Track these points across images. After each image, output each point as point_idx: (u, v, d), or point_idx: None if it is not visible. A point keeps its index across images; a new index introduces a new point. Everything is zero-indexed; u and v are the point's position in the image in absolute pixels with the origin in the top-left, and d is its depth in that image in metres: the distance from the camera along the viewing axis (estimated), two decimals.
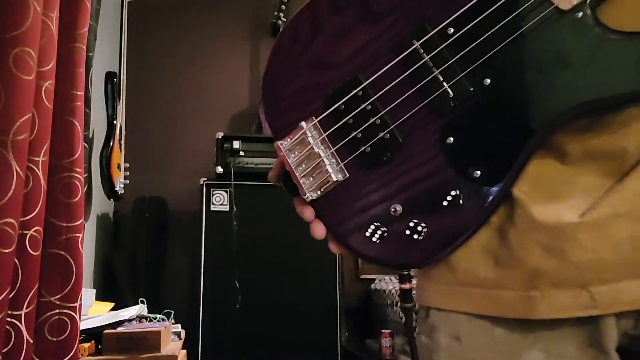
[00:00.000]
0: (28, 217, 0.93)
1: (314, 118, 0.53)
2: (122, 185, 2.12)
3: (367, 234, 0.50)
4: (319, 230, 0.53)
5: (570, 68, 0.43)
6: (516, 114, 0.45)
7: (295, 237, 2.36)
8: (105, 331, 1.26)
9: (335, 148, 0.52)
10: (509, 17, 0.44)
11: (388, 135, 0.49)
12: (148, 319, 1.54)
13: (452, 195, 0.47)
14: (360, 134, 0.50)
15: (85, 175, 1.29)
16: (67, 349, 1.03)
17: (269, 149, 2.49)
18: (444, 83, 0.47)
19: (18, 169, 0.86)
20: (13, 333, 0.91)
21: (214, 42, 3.12)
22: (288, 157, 0.55)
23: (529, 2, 0.44)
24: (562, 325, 0.46)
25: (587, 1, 0.43)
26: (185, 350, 1.59)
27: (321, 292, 2.35)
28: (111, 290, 2.38)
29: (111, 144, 2.03)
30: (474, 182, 0.47)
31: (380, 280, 2.72)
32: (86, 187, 1.75)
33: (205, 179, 2.41)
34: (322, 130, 0.52)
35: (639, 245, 0.44)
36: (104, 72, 2.08)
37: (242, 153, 2.45)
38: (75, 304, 1.05)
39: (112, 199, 2.16)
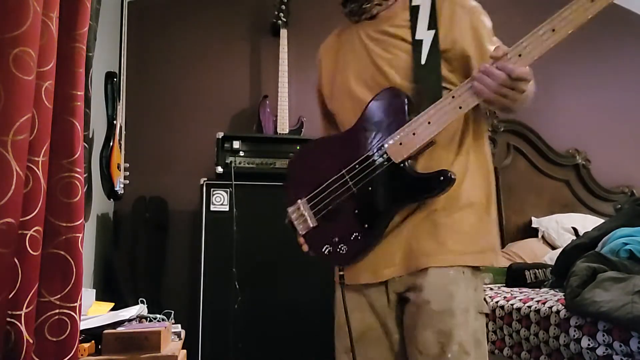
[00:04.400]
0: (28, 217, 0.93)
1: (303, 197, 1.23)
2: (122, 185, 2.12)
3: (323, 249, 1.21)
4: (305, 248, 1.25)
5: (399, 186, 1.12)
6: (381, 203, 1.14)
7: (295, 237, 2.36)
8: (105, 331, 1.26)
9: (312, 211, 1.22)
10: (376, 163, 1.14)
11: (333, 208, 1.18)
12: (148, 319, 1.54)
13: (356, 234, 1.16)
14: (323, 207, 1.20)
15: (85, 175, 1.28)
16: (67, 349, 1.03)
17: (269, 149, 2.50)
18: (353, 187, 1.16)
19: (18, 169, 0.86)
20: (13, 333, 0.91)
21: (214, 42, 3.12)
22: (292, 215, 1.25)
23: (383, 159, 1.13)
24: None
25: (405, 160, 1.11)
26: (185, 350, 1.59)
27: (321, 292, 2.34)
28: (111, 290, 2.38)
29: (111, 144, 2.03)
30: (365, 229, 1.15)
31: None
32: (86, 187, 1.75)
33: (205, 179, 2.41)
34: (307, 203, 1.23)
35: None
36: (104, 72, 2.08)
37: (242, 153, 2.45)
38: (75, 304, 1.05)
39: (112, 199, 2.15)
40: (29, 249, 0.93)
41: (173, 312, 1.74)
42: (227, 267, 2.25)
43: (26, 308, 0.92)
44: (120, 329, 1.31)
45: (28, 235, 0.93)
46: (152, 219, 2.72)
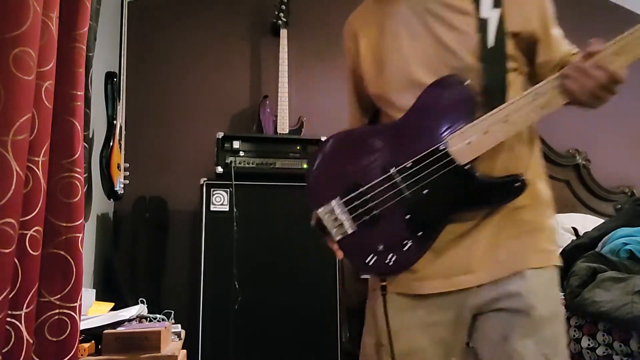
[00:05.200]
0: (28, 217, 0.93)
1: (339, 198, 1.04)
2: (122, 185, 2.12)
3: (367, 259, 1.02)
4: (340, 254, 1.05)
5: (462, 191, 0.98)
6: (437, 209, 0.99)
7: (295, 237, 2.36)
8: (105, 331, 1.26)
9: (351, 215, 1.03)
10: (436, 165, 0.97)
11: (378, 212, 1.02)
12: (148, 319, 1.54)
13: (407, 243, 1.00)
14: (365, 211, 1.02)
15: (85, 175, 1.28)
16: (67, 349, 1.03)
17: (269, 149, 2.49)
18: (406, 191, 1.00)
19: (18, 169, 0.86)
20: (13, 333, 0.91)
21: (214, 42, 3.12)
22: (323, 217, 1.05)
23: (446, 159, 0.96)
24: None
25: (471, 162, 0.95)
26: (185, 350, 1.59)
27: (321, 292, 2.35)
28: (111, 290, 2.38)
29: (111, 144, 2.03)
30: (418, 237, 0.99)
31: None
32: (86, 187, 1.75)
33: (205, 179, 2.41)
34: (344, 206, 1.04)
35: None
36: (104, 72, 2.08)
37: (242, 153, 2.45)
38: (75, 304, 1.05)
39: (112, 199, 2.15)
40: (29, 249, 0.93)
41: (173, 312, 1.74)
42: (227, 267, 2.25)
43: (26, 308, 0.92)
44: (120, 329, 1.31)
45: (28, 235, 0.93)
46: (152, 219, 2.72)
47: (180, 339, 1.53)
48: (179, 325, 1.59)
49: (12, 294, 0.89)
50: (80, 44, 1.13)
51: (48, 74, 0.98)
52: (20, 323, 0.91)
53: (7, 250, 0.84)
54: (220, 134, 2.45)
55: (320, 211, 1.05)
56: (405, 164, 0.99)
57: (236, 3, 3.21)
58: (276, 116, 2.81)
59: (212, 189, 2.38)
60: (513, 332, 0.94)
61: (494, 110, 0.94)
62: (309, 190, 1.09)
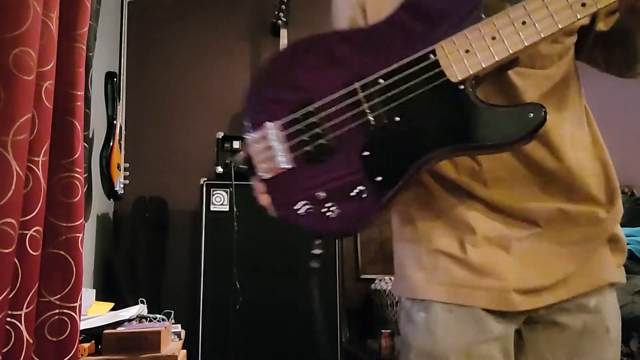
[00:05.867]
0: (28, 217, 0.93)
1: (275, 120, 0.73)
2: (122, 185, 2.12)
3: (296, 207, 0.72)
4: (265, 200, 0.75)
5: (451, 120, 0.68)
6: (411, 144, 0.70)
7: (295, 237, 2.36)
8: (105, 331, 1.26)
9: (288, 144, 0.73)
10: (416, 80, 0.69)
11: (326, 142, 0.72)
12: (148, 319, 1.54)
13: (359, 190, 0.70)
14: (307, 138, 0.72)
15: (85, 175, 1.28)
16: (67, 349, 1.03)
17: None
18: (369, 114, 0.70)
19: (18, 169, 0.86)
20: (13, 333, 0.90)
21: (214, 42, 3.12)
22: (252, 146, 0.75)
23: (431, 73, 0.68)
24: None
25: (469, 79, 0.67)
26: (185, 350, 1.59)
27: (321, 293, 2.35)
28: (111, 290, 2.38)
29: (111, 144, 2.03)
30: (376, 184, 0.69)
31: (380, 280, 2.71)
32: (86, 187, 1.75)
33: (205, 179, 2.41)
34: (283, 129, 0.73)
35: None
36: (104, 72, 2.08)
37: (242, 153, 2.45)
38: (75, 304, 1.05)
39: (112, 199, 2.16)
40: (29, 249, 0.93)
41: (173, 312, 1.74)
42: (227, 267, 2.25)
43: (26, 308, 0.92)
44: (120, 329, 1.31)
45: (28, 235, 0.93)
46: (152, 219, 2.72)
47: (180, 339, 1.53)
48: (179, 325, 1.59)
49: (12, 294, 0.89)
50: (80, 44, 1.13)
51: (48, 74, 0.98)
52: (20, 323, 0.91)
53: (7, 250, 0.84)
54: (220, 134, 2.45)
55: (250, 137, 0.75)
56: (373, 77, 0.70)
57: (236, 3, 3.21)
58: None
59: (212, 189, 2.38)
60: (583, 356, 0.76)
61: (511, 8, 0.66)
62: (245, 109, 0.79)
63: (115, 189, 2.04)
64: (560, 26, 0.64)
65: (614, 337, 0.79)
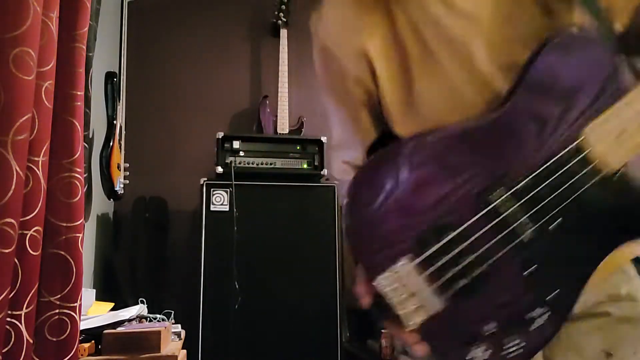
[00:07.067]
0: (28, 217, 0.93)
1: (412, 257, 0.61)
2: (122, 185, 2.12)
3: (468, 355, 0.61)
4: (423, 350, 0.62)
5: (620, 212, 0.59)
6: (582, 247, 0.60)
7: (295, 237, 2.36)
8: (105, 331, 1.26)
9: (437, 284, 0.60)
10: (569, 182, 0.58)
11: (481, 271, 0.60)
12: (148, 319, 1.54)
13: (534, 315, 0.59)
14: (461, 271, 0.60)
15: (85, 175, 1.28)
16: (67, 349, 1.03)
17: (269, 149, 2.49)
18: (524, 232, 0.59)
19: (18, 169, 0.86)
20: (13, 333, 0.91)
21: (214, 42, 3.12)
22: (386, 290, 0.62)
23: (586, 167, 0.57)
24: None
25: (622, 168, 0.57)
26: (185, 350, 1.59)
27: (321, 292, 2.35)
28: (111, 290, 2.38)
29: (111, 144, 2.03)
30: (552, 301, 0.59)
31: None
32: (86, 187, 1.75)
33: (205, 179, 2.41)
34: (420, 268, 0.61)
35: None
36: (104, 72, 2.08)
37: (242, 153, 2.45)
38: (75, 304, 1.05)
39: (112, 199, 2.16)
40: (29, 249, 0.93)
41: (173, 312, 1.74)
42: (227, 267, 2.25)
43: (26, 308, 0.92)
44: (120, 329, 1.31)
45: (28, 235, 0.93)
46: (152, 219, 2.72)
47: (180, 339, 1.53)
48: (179, 325, 1.59)
49: (12, 294, 0.89)
50: (80, 44, 1.13)
51: (48, 74, 0.98)
52: (20, 323, 0.91)
53: (7, 250, 0.84)
54: (220, 134, 2.45)
55: (381, 280, 0.62)
56: (517, 186, 0.59)
57: (236, 3, 3.21)
58: (276, 116, 2.81)
59: (212, 189, 2.38)
60: (622, 346, 0.69)
61: None
62: (352, 243, 0.66)
63: (115, 189, 2.04)
64: None
65: None
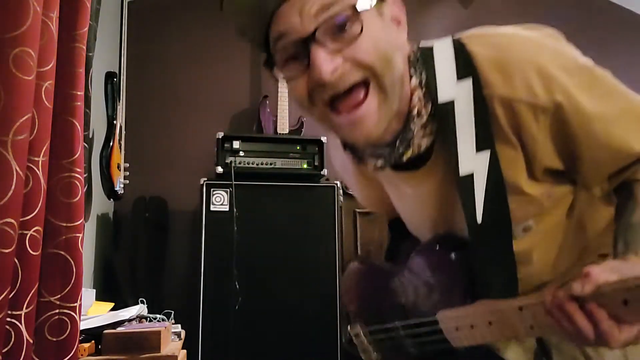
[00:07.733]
0: (28, 217, 0.93)
1: (362, 322, 0.98)
2: (122, 185, 2.12)
3: None
4: None
5: None
6: None
7: (295, 237, 2.36)
8: (105, 331, 1.26)
9: (372, 346, 0.97)
10: (434, 334, 0.80)
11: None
12: (148, 319, 1.54)
13: None
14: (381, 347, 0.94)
15: (85, 175, 1.29)
16: (67, 349, 1.03)
17: (269, 149, 2.49)
18: (411, 348, 0.86)
19: (18, 169, 0.86)
20: (13, 333, 0.91)
21: (214, 41, 3.12)
22: (354, 337, 1.01)
23: (441, 335, 0.79)
24: None
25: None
26: (185, 350, 1.59)
27: (321, 293, 2.35)
28: (111, 290, 2.38)
29: (111, 144, 2.03)
30: None
31: None
32: (86, 187, 1.75)
33: (205, 179, 2.41)
34: (368, 335, 0.97)
35: None
36: (104, 72, 2.08)
37: (242, 153, 2.45)
38: (75, 304, 1.05)
39: (112, 199, 2.15)
40: (29, 249, 0.93)
41: (173, 312, 1.74)
42: (227, 267, 2.25)
43: (26, 308, 0.92)
44: (120, 329, 1.31)
45: (28, 235, 0.93)
46: (152, 219, 2.72)
47: (180, 339, 1.53)
48: (179, 325, 1.59)
49: (12, 294, 0.89)
50: (80, 44, 1.13)
51: (48, 74, 0.98)
52: (20, 323, 0.91)
53: (7, 250, 0.84)
54: (220, 134, 2.45)
55: (351, 331, 0.98)
56: (409, 322, 0.84)
57: None
58: (276, 116, 2.81)
59: (212, 189, 2.38)
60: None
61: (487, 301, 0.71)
62: (345, 300, 1.09)
63: (115, 189, 2.03)
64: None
65: None
